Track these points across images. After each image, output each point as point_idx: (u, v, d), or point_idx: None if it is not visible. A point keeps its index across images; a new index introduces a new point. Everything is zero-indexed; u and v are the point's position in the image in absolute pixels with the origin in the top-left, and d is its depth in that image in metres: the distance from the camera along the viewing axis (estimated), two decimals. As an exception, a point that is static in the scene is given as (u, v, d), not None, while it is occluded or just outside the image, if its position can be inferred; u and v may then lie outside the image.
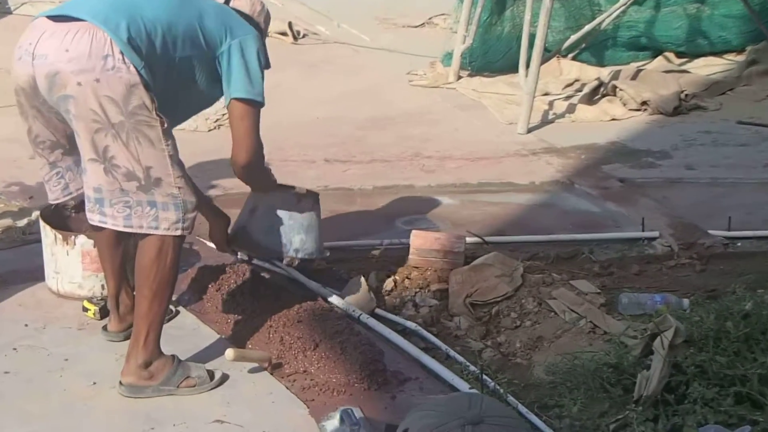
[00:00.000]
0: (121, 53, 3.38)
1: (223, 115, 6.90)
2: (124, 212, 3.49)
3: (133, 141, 3.42)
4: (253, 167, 3.86)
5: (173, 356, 3.69)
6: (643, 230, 5.33)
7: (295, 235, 4.20)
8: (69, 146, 3.68)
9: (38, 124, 3.63)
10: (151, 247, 3.54)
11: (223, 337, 4.03)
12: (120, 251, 3.98)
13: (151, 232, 3.52)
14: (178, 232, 3.55)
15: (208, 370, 3.72)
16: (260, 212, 4.18)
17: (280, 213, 4.15)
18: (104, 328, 4.05)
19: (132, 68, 3.39)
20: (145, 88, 3.43)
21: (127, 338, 3.85)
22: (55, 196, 3.81)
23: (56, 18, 3.47)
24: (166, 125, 3.48)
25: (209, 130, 6.77)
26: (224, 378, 3.74)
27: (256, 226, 4.18)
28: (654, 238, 5.24)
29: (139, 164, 3.44)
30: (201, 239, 4.69)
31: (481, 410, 2.11)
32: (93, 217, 3.54)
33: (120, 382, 3.63)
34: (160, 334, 3.64)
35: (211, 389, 3.68)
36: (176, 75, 3.62)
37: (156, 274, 3.55)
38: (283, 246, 4.18)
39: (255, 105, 3.73)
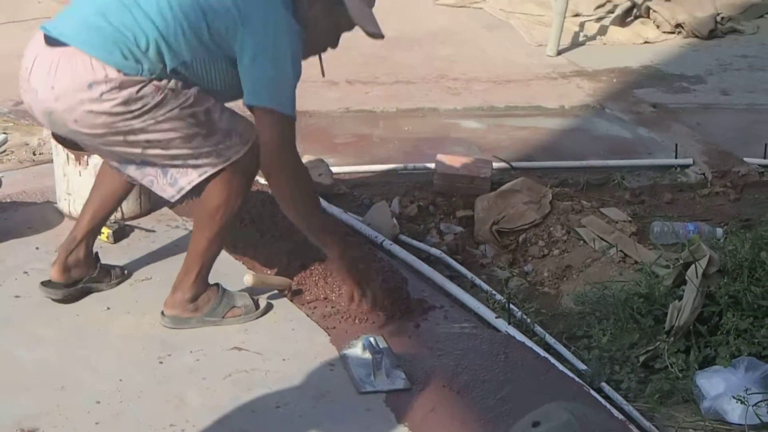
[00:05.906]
0: (117, 70, 3.05)
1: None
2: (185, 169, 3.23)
3: (153, 128, 3.13)
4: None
5: (218, 285, 3.56)
6: (676, 157, 5.26)
7: None
8: None
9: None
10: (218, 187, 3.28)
11: (242, 263, 3.93)
12: (119, 191, 3.65)
13: (217, 169, 3.24)
14: (240, 155, 3.23)
15: (253, 299, 3.61)
16: None
17: None
18: (43, 283, 3.61)
19: (131, 78, 3.06)
20: (157, 86, 3.09)
21: (67, 296, 3.61)
22: None
23: (48, 40, 3.12)
24: (166, 93, 3.11)
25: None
26: (269, 307, 3.63)
27: None
28: (687, 166, 5.17)
29: (170, 142, 3.16)
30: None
31: None
32: (170, 192, 3.28)
33: (162, 313, 3.51)
34: (210, 270, 3.51)
35: (258, 318, 3.58)
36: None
37: (222, 216, 3.34)
38: None
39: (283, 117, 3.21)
